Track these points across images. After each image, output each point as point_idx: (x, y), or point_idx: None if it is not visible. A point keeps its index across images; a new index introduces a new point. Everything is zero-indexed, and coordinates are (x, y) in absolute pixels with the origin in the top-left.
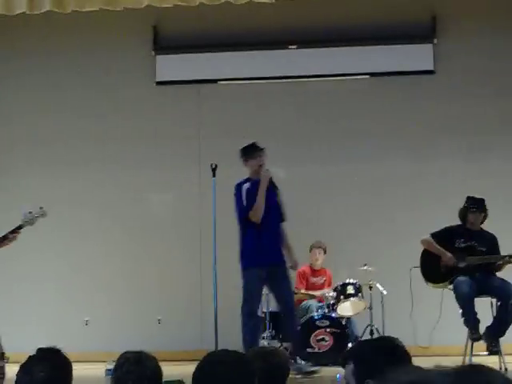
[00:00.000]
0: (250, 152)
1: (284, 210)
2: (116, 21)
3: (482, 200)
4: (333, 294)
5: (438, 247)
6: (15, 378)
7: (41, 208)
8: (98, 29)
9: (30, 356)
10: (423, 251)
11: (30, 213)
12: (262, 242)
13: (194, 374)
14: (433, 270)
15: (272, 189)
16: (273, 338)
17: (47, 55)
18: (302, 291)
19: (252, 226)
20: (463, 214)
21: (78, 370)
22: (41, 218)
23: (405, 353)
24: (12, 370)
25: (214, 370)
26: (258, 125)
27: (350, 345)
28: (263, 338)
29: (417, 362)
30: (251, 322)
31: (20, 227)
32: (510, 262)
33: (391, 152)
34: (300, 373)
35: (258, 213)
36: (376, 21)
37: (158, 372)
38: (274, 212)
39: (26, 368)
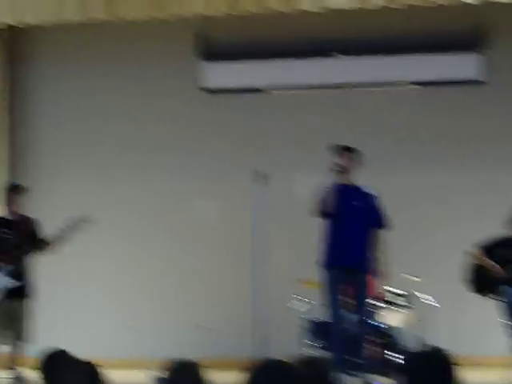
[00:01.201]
0: (333, 153)
1: (381, 215)
2: (165, 29)
3: None
4: (380, 303)
5: (487, 260)
6: None
7: (84, 215)
8: (148, 37)
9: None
10: (471, 263)
11: (73, 219)
12: (334, 243)
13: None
14: (479, 280)
15: (357, 192)
16: (318, 347)
17: (98, 62)
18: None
19: (328, 226)
20: None
21: (123, 376)
22: (84, 225)
23: (453, 364)
24: None
25: (261, 379)
26: (308, 133)
27: (396, 355)
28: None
29: (464, 372)
30: (335, 328)
31: (63, 232)
32: None
33: (438, 162)
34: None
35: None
36: (424, 30)
37: None
38: (357, 215)
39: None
